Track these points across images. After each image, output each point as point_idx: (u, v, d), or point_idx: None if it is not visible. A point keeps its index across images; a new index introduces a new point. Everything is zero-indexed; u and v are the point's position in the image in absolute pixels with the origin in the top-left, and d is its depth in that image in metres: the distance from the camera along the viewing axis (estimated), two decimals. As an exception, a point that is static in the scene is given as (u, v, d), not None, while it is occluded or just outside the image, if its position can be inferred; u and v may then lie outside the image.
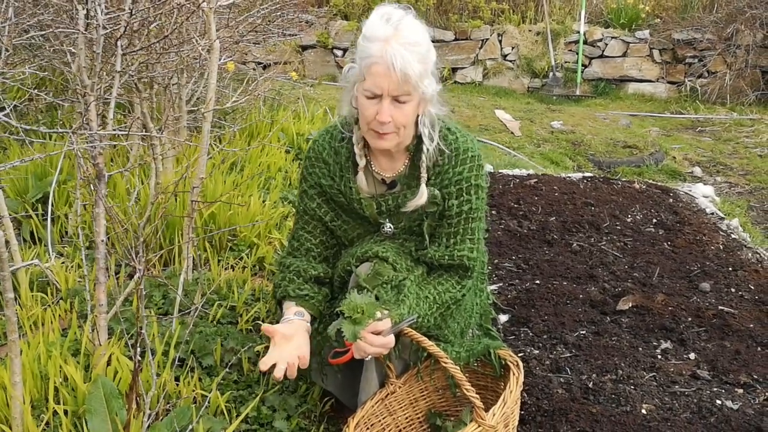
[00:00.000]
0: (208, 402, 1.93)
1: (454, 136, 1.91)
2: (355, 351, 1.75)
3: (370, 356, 1.76)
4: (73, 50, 1.84)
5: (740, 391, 2.22)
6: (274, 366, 1.72)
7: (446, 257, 1.91)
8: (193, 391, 1.99)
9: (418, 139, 1.89)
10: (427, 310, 1.85)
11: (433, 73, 1.81)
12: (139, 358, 1.64)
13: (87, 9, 2.05)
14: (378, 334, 1.71)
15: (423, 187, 1.89)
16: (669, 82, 8.53)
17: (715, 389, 2.23)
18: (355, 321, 1.67)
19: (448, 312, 1.92)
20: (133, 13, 2.12)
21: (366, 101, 1.77)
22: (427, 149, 1.87)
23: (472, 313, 2.09)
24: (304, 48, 8.74)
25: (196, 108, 3.75)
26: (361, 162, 1.91)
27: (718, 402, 2.15)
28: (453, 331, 1.97)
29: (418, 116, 1.84)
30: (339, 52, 8.78)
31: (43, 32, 2.07)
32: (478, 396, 1.58)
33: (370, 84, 1.73)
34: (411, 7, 1.80)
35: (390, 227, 1.96)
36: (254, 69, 5.78)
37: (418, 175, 1.90)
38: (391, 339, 1.74)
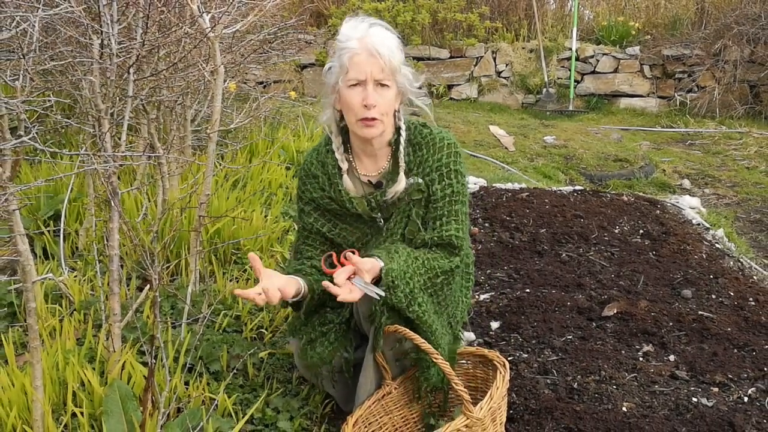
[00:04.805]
0: (216, 404, 2.05)
1: (428, 129, 2.05)
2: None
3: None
4: (92, 79, 1.99)
5: (716, 389, 2.35)
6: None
7: (435, 238, 2.00)
8: (202, 394, 2.12)
9: (397, 133, 2.03)
10: (416, 270, 1.91)
11: (406, 70, 1.97)
12: (153, 361, 1.78)
13: (101, 39, 2.20)
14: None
15: (401, 174, 2.01)
16: (659, 97, 8.73)
17: (692, 388, 2.36)
18: None
19: (437, 282, 1.97)
20: (144, 42, 2.29)
21: (351, 91, 1.90)
22: (404, 140, 2.01)
23: (458, 306, 2.14)
24: (303, 67, 8.90)
25: (200, 128, 3.90)
26: (344, 165, 2.04)
27: (695, 400, 2.28)
28: (442, 324, 2.01)
29: (397, 110, 1.99)
30: (337, 71, 8.95)
31: (62, 62, 2.23)
32: (466, 390, 1.71)
33: (354, 73, 1.88)
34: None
35: (381, 220, 2.06)
36: (254, 88, 5.94)
37: (398, 168, 2.03)
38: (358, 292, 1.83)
